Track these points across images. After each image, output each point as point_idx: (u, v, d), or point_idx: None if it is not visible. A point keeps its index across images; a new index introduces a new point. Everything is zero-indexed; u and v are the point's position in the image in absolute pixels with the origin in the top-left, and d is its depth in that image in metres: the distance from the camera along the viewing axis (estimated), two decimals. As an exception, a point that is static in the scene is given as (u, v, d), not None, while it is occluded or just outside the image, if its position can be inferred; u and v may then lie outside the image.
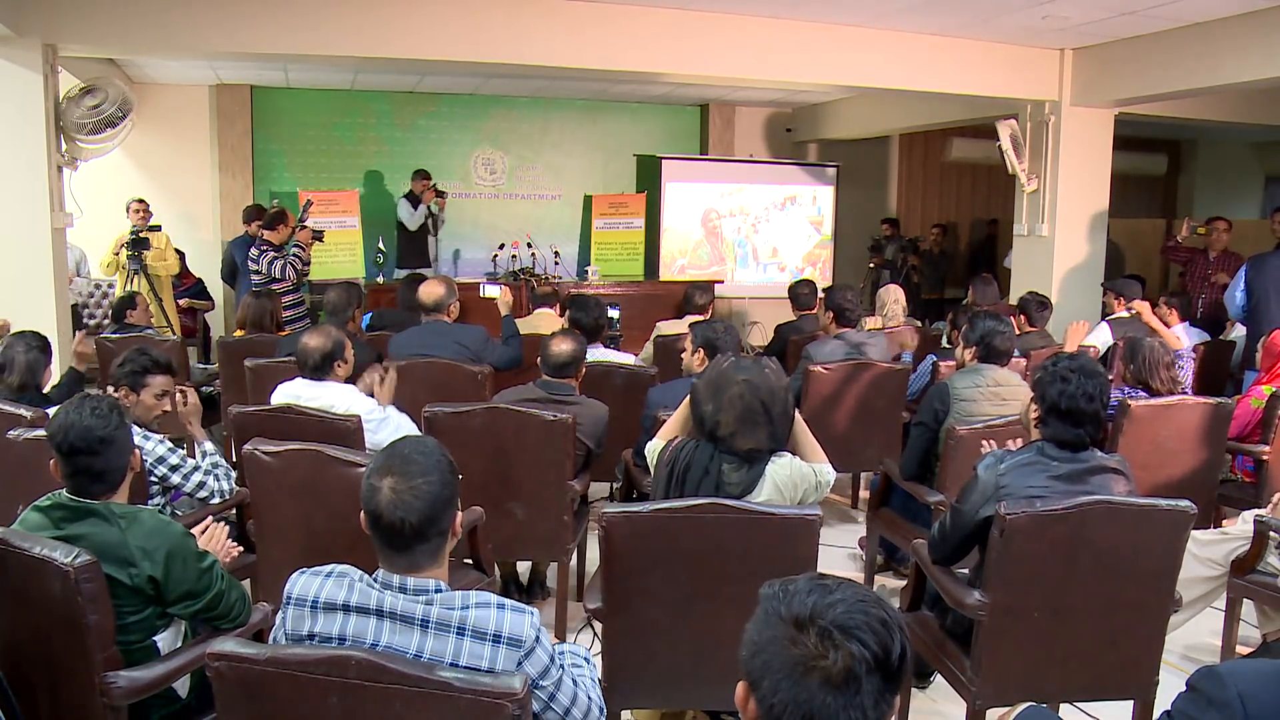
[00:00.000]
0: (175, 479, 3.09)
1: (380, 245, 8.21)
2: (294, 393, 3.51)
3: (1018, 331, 5.30)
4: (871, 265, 10.07)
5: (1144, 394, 3.99)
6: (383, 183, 9.38)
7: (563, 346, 3.67)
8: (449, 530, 1.74)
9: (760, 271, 10.09)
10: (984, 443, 3.28)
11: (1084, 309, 6.97)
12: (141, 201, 7.09)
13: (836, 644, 1.08)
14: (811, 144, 10.64)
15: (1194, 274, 7.16)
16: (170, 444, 3.14)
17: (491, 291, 6.03)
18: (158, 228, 7.00)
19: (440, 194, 8.32)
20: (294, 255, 6.53)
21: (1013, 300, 6.63)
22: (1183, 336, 5.65)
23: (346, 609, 1.66)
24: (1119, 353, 5.12)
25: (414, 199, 8.31)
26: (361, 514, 1.72)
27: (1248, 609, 3.39)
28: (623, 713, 2.61)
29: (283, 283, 6.48)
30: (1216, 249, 7.00)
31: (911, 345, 5.84)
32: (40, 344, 3.61)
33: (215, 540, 2.51)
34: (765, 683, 1.11)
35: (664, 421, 3.49)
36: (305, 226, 6.82)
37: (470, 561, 3.16)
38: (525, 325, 5.10)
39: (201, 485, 3.15)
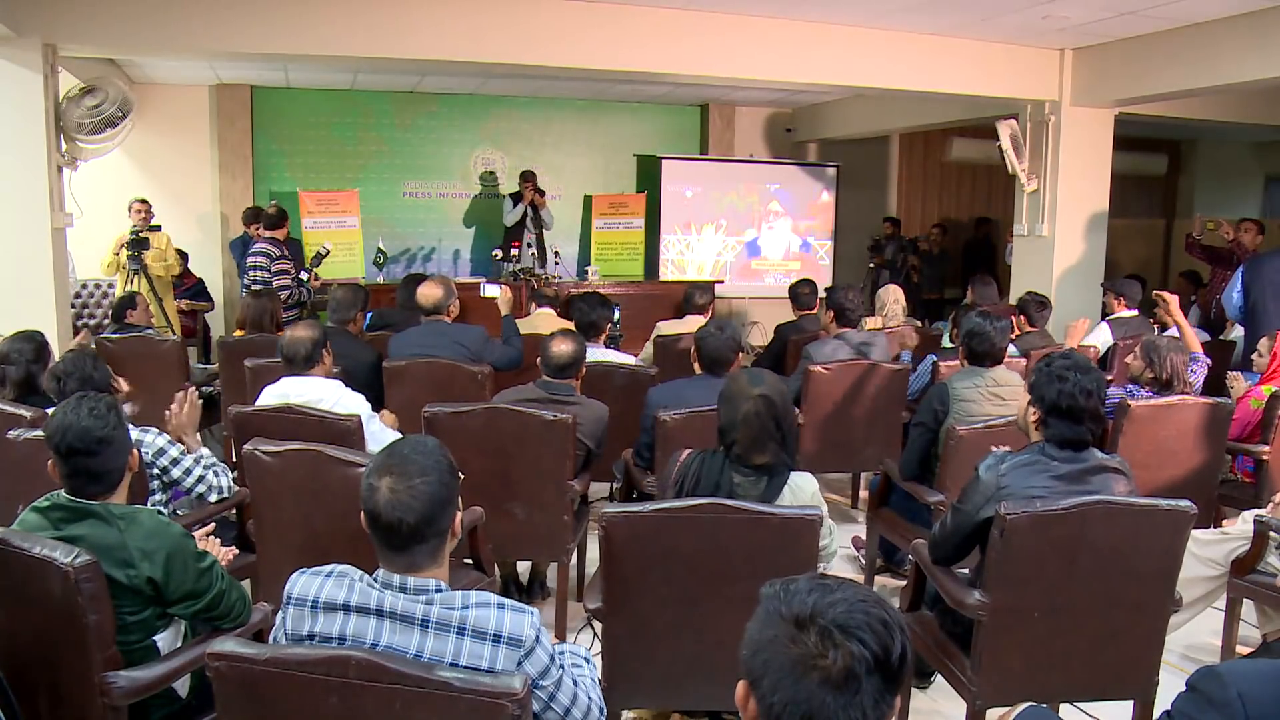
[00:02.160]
0: (176, 472, 3.08)
1: (380, 245, 8.21)
2: (281, 392, 3.50)
3: (1017, 331, 5.31)
4: (871, 265, 10.06)
5: (1150, 394, 3.98)
6: (382, 183, 9.38)
7: (563, 347, 3.66)
8: (448, 530, 1.73)
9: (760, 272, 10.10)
10: (992, 448, 3.27)
11: (1084, 309, 6.96)
12: (143, 202, 7.07)
13: (836, 643, 1.08)
14: (811, 144, 10.63)
15: (1219, 273, 7.18)
16: (168, 436, 3.13)
17: (491, 291, 6.02)
18: (158, 228, 6.99)
19: (540, 192, 8.47)
20: (297, 281, 6.49)
21: (1013, 300, 6.63)
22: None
23: (346, 609, 1.66)
24: (1121, 352, 5.13)
25: (517, 198, 8.52)
26: (361, 514, 1.72)
27: (1248, 609, 3.39)
28: (623, 713, 2.61)
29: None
30: (1244, 249, 6.97)
31: (912, 345, 5.84)
32: (34, 354, 3.49)
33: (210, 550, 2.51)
34: (765, 682, 1.11)
35: (664, 423, 3.52)
36: (315, 274, 6.74)
37: (470, 561, 3.16)
38: (525, 325, 5.10)
39: (201, 479, 3.13)
